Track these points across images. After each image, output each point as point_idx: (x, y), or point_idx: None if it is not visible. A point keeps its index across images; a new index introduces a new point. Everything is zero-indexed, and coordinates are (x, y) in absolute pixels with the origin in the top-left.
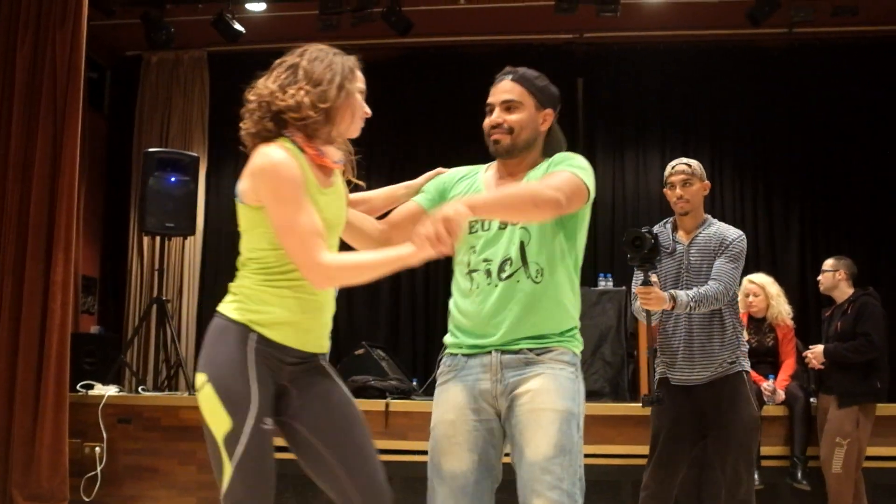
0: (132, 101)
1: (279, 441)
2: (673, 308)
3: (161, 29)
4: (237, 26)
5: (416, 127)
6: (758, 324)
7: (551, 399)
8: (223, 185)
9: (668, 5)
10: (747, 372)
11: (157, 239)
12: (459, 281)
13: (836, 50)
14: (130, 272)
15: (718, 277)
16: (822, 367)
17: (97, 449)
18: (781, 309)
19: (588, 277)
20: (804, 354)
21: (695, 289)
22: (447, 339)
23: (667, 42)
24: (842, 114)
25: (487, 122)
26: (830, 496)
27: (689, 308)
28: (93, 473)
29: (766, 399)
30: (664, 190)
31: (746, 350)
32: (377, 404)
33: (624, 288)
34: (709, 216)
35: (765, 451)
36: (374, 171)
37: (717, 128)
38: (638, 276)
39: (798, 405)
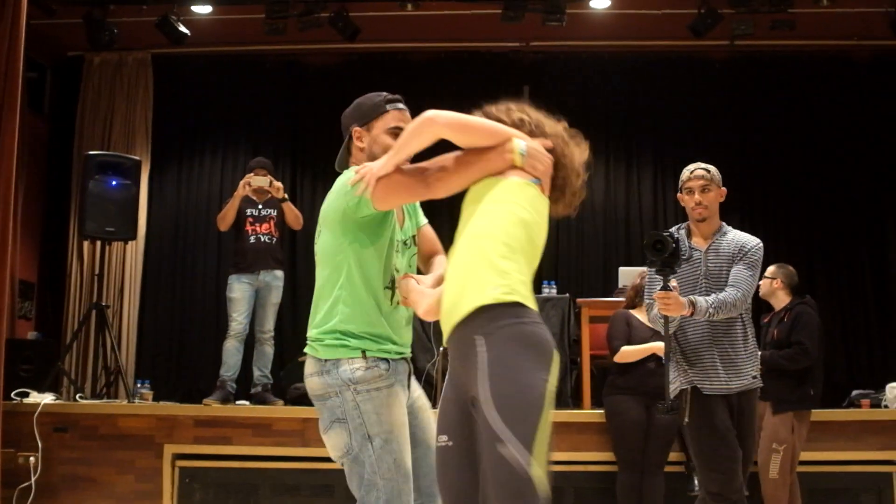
0: (73, 103)
1: (225, 449)
2: (692, 314)
3: (104, 29)
4: (182, 28)
5: None
6: None
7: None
8: (166, 190)
9: (613, 16)
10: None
11: (98, 243)
12: (378, 291)
13: (776, 62)
14: (70, 277)
15: (737, 284)
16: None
17: (31, 459)
18: None
19: (532, 285)
20: None
21: (713, 295)
22: (366, 344)
23: (612, 52)
24: (780, 124)
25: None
26: (766, 501)
27: (708, 315)
28: (27, 484)
29: None
30: (679, 195)
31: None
32: None
33: (567, 295)
34: (724, 223)
35: None
36: (319, 176)
37: (659, 137)
38: (654, 283)
39: None
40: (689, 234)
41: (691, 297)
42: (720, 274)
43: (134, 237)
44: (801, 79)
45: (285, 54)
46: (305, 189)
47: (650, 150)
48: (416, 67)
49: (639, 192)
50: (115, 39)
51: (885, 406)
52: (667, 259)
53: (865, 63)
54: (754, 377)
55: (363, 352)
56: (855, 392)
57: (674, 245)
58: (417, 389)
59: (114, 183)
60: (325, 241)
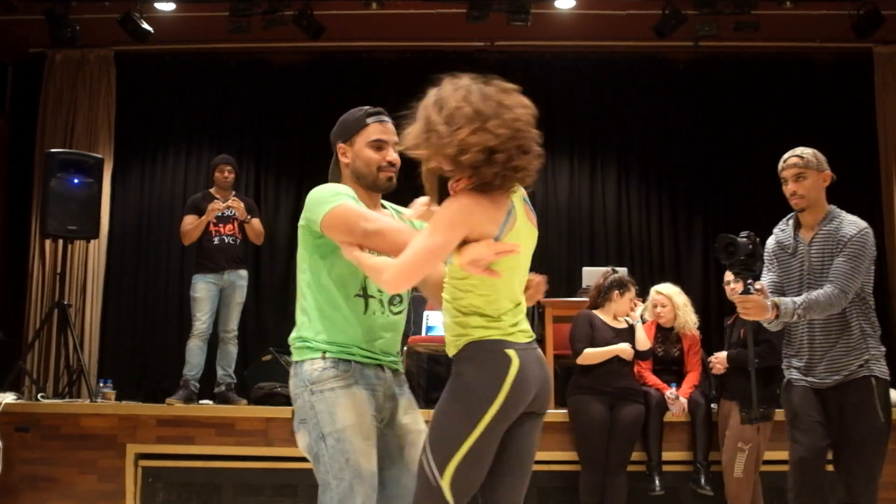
0: (35, 100)
1: (188, 449)
2: (777, 317)
3: (66, 26)
4: (145, 26)
5: (326, 131)
6: (666, 333)
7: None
8: (129, 188)
9: (577, 16)
10: (877, 378)
11: (60, 242)
12: (343, 298)
13: (739, 63)
14: (31, 276)
15: (835, 280)
16: (724, 371)
17: None
18: (688, 318)
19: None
20: (709, 360)
21: (805, 294)
22: (326, 347)
23: (576, 52)
24: (743, 125)
25: (385, 157)
26: (729, 500)
27: (796, 316)
28: None
29: (669, 407)
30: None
31: (881, 353)
32: (285, 411)
33: None
34: (833, 207)
35: (667, 456)
36: (284, 176)
37: (623, 137)
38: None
39: (700, 411)
40: (797, 225)
41: (775, 298)
42: (823, 268)
43: (96, 236)
44: (764, 80)
45: (249, 52)
46: (269, 187)
47: (614, 150)
48: (380, 67)
49: (603, 191)
50: (77, 36)
51: None
52: (743, 262)
53: (827, 64)
54: (860, 366)
55: (323, 353)
56: None
57: (749, 247)
58: (411, 408)
59: (76, 181)
60: (298, 250)
